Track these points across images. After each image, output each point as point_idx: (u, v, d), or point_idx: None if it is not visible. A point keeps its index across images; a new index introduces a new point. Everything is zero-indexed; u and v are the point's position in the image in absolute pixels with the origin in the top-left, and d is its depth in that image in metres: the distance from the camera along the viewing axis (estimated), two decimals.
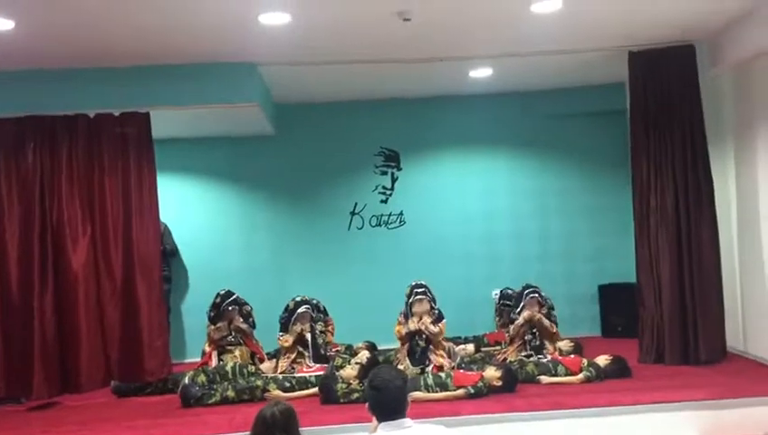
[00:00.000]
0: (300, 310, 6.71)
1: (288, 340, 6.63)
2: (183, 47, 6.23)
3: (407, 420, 3.15)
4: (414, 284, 6.56)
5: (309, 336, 6.73)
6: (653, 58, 6.81)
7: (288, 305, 6.83)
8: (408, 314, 6.43)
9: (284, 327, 6.73)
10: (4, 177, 6.51)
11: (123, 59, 6.40)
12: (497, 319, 7.95)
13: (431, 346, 6.34)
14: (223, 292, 7.03)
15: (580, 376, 6.09)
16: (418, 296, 6.39)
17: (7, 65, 6.36)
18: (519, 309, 6.71)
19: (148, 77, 6.63)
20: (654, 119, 6.79)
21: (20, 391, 6.39)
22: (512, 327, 6.72)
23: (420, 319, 6.34)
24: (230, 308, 6.94)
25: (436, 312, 6.45)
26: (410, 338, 6.37)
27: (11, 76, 6.47)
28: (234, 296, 7.01)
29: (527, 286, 6.82)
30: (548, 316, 6.72)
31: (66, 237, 6.48)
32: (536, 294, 6.70)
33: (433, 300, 6.50)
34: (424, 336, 6.34)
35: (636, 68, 6.87)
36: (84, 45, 6.03)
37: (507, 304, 7.49)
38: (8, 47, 5.87)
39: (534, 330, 6.61)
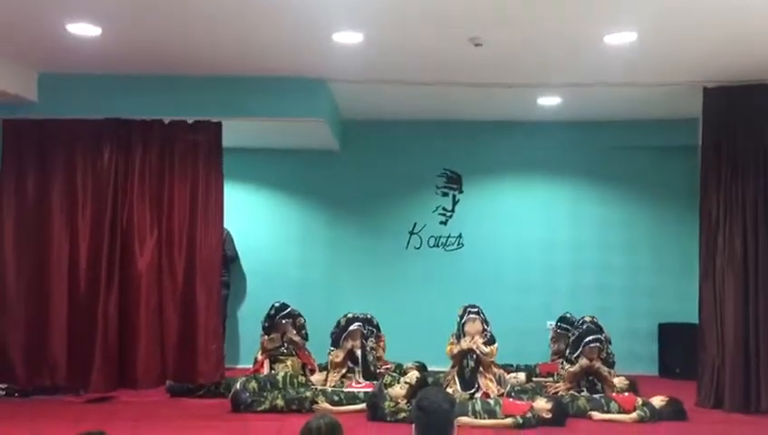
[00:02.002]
0: (351, 327, 6.75)
1: (339, 355, 6.68)
2: (256, 60, 6.41)
3: None
4: (467, 305, 6.57)
5: (359, 353, 6.77)
6: (729, 95, 6.66)
7: (339, 322, 6.89)
8: (459, 335, 6.43)
9: (335, 343, 6.79)
10: (81, 175, 6.79)
11: (199, 68, 6.62)
12: (553, 345, 7.80)
13: (481, 368, 6.28)
14: (278, 304, 7.18)
15: (634, 415, 5.94)
16: (471, 316, 6.40)
17: (92, 69, 6.67)
18: (576, 354, 6.46)
19: (222, 87, 6.84)
20: (726, 156, 6.64)
21: (79, 383, 6.62)
22: (567, 369, 6.50)
23: (472, 338, 6.32)
24: (284, 321, 7.07)
25: (489, 334, 6.43)
26: (461, 358, 6.34)
27: (94, 80, 6.78)
28: (288, 309, 7.13)
29: (590, 329, 6.57)
30: (606, 359, 6.51)
31: (134, 238, 6.71)
32: (597, 343, 6.44)
33: (485, 322, 6.50)
34: (474, 356, 6.30)
35: (710, 104, 6.74)
36: (164, 54, 6.26)
37: (565, 328, 7.33)
38: (94, 52, 6.14)
39: (591, 377, 6.44)
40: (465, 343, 6.34)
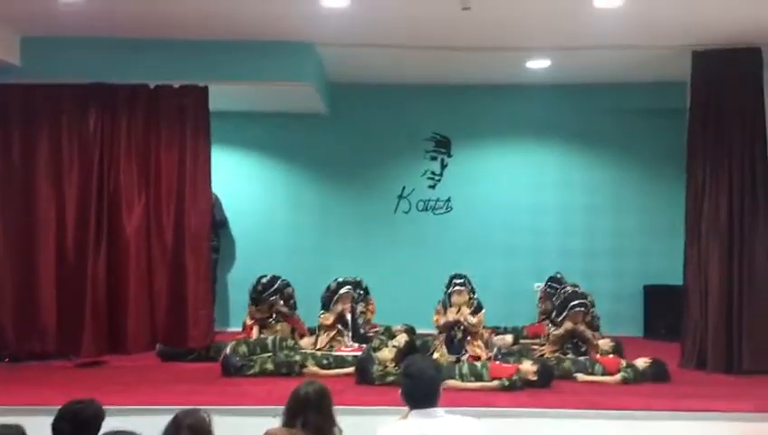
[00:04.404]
0: (342, 291, 6.78)
1: (328, 318, 6.73)
2: (244, 24, 6.34)
3: (438, 410, 3.20)
4: (453, 274, 6.51)
5: (349, 316, 6.82)
6: (717, 59, 6.65)
7: (330, 286, 6.88)
8: (446, 304, 6.42)
9: (326, 306, 6.81)
10: (66, 141, 6.73)
11: (185, 32, 6.54)
12: (540, 305, 7.85)
13: (469, 337, 6.34)
14: (265, 280, 7.11)
15: (618, 377, 6.04)
16: (457, 287, 6.36)
17: (76, 32, 6.56)
18: (561, 318, 6.53)
19: (208, 51, 6.77)
20: (714, 121, 6.65)
21: (70, 349, 6.65)
22: (552, 333, 6.58)
23: (459, 310, 6.34)
24: (271, 298, 7.08)
25: (475, 302, 6.42)
26: (448, 329, 6.39)
27: (78, 43, 6.68)
28: (275, 286, 7.09)
29: (575, 293, 6.66)
30: (590, 322, 6.61)
31: (122, 204, 6.70)
32: (582, 308, 6.52)
33: (472, 291, 6.46)
34: (462, 327, 6.34)
35: (699, 68, 6.72)
36: (149, 17, 6.18)
37: (554, 288, 7.38)
38: (78, 16, 6.06)
39: (576, 340, 6.52)
40: (452, 315, 6.32)
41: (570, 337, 6.50)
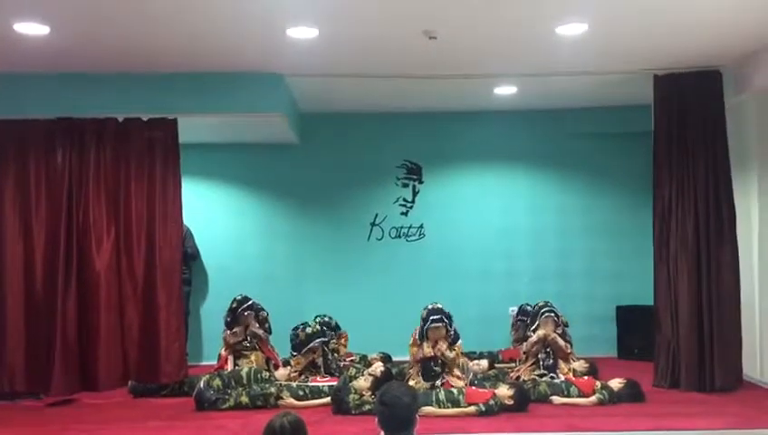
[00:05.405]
0: (311, 344, 6.73)
1: (300, 362, 6.71)
2: (212, 56, 6.35)
3: None
4: (430, 308, 6.37)
5: (321, 361, 6.82)
6: (679, 82, 6.80)
7: (298, 335, 6.79)
8: (422, 336, 6.33)
9: (297, 349, 6.78)
10: (34, 177, 6.66)
11: (153, 65, 6.54)
12: (513, 333, 7.94)
13: (447, 368, 6.31)
14: (239, 297, 7.15)
15: (593, 398, 6.07)
16: (434, 324, 6.26)
17: (41, 68, 6.53)
18: (534, 327, 6.70)
19: (177, 84, 6.77)
20: (678, 142, 6.78)
21: (39, 387, 6.52)
22: (525, 344, 6.71)
23: (436, 344, 6.28)
24: (246, 314, 7.05)
25: (452, 333, 6.36)
26: (425, 362, 6.32)
27: (44, 79, 6.65)
28: (250, 302, 7.13)
29: (544, 304, 6.81)
30: (563, 335, 6.71)
31: (91, 239, 6.62)
32: (552, 314, 6.68)
33: (449, 323, 6.36)
34: (440, 361, 6.30)
35: (661, 91, 6.87)
36: (115, 51, 6.17)
37: (523, 320, 7.48)
38: (43, 51, 6.03)
39: (548, 349, 6.59)
40: (429, 350, 6.25)
41: (543, 345, 6.56)
